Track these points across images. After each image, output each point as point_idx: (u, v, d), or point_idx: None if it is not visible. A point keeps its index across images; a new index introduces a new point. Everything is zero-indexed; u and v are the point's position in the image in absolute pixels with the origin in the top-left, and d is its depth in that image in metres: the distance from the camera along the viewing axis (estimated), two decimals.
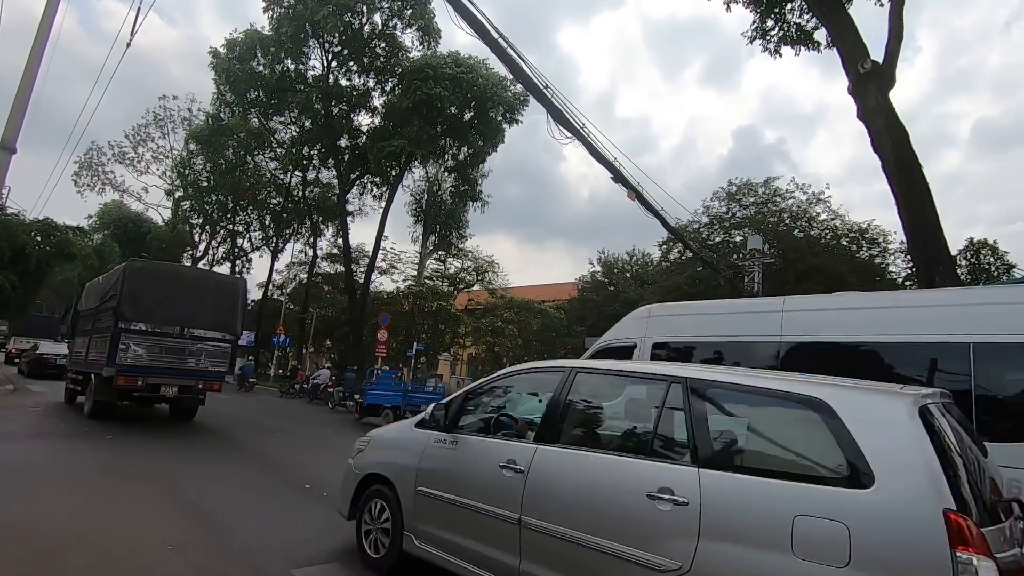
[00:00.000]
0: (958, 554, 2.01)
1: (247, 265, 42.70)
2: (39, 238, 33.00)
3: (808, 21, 14.65)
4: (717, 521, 2.50)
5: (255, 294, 48.05)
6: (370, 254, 31.91)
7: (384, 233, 30.68)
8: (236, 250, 40.61)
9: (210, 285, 11.66)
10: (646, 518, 2.69)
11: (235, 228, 39.28)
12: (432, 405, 4.20)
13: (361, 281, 31.58)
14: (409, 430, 4.31)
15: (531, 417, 3.60)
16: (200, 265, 43.40)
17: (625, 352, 6.52)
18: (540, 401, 3.66)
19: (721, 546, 2.45)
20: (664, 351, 6.23)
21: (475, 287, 39.44)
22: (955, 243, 25.80)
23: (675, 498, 2.62)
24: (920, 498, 2.15)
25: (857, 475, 2.30)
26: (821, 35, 14.47)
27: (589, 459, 3.10)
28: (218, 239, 41.88)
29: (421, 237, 37.38)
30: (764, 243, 18.72)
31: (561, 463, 3.16)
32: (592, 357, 6.74)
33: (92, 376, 10.66)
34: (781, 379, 2.89)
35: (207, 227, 40.41)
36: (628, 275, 32.20)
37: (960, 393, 4.01)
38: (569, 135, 10.30)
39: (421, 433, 4.08)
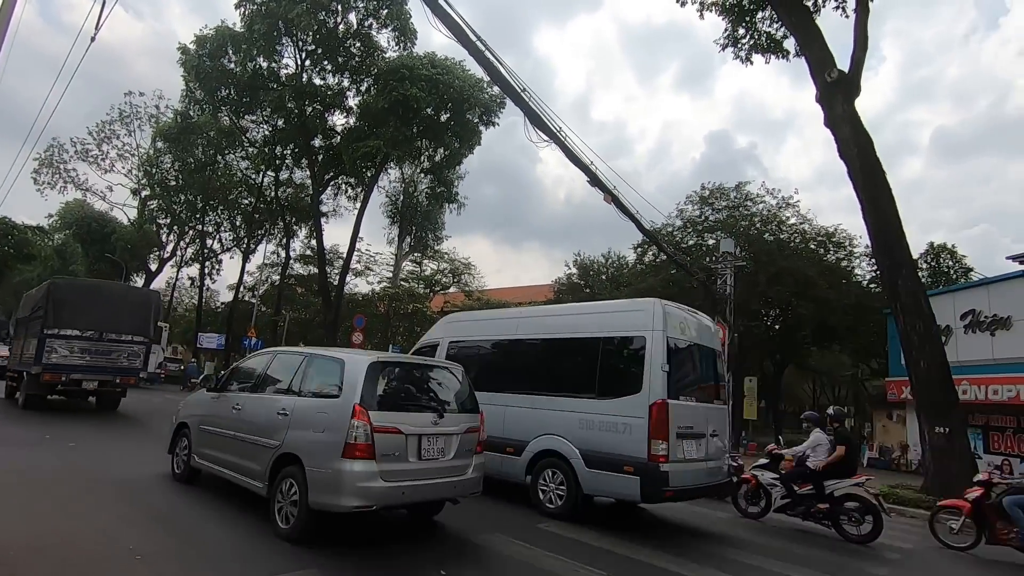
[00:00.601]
0: (353, 420, 4.58)
1: (217, 267, 41.76)
2: None
3: (778, 30, 15.00)
4: (296, 421, 5.06)
5: (225, 296, 47.18)
6: (344, 255, 31.51)
7: (359, 234, 30.31)
8: (205, 251, 39.66)
9: (127, 296, 13.68)
10: (275, 423, 5.23)
11: (204, 229, 38.34)
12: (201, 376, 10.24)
13: (335, 283, 31.17)
14: (202, 393, 7.00)
15: (254, 380, 6.19)
16: (168, 266, 42.41)
17: (432, 350, 8.75)
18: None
19: (296, 431, 5.00)
20: (454, 348, 8.48)
21: (451, 289, 39.29)
22: (917, 247, 26.76)
23: (285, 412, 5.19)
24: (351, 399, 4.72)
25: (339, 391, 4.92)
26: (790, 44, 14.85)
27: (265, 398, 5.71)
28: (187, 240, 40.81)
29: (397, 239, 37.10)
30: (736, 246, 19.08)
31: (253, 401, 5.81)
32: (414, 352, 9.19)
33: (24, 373, 12.39)
34: (336, 351, 5.72)
35: (175, 227, 39.30)
36: (604, 277, 32.46)
37: (592, 368, 6.96)
38: (546, 138, 10.34)
39: (208, 394, 6.62)
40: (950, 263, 26.81)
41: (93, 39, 9.95)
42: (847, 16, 13.90)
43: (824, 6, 14.39)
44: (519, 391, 7.34)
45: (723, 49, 15.75)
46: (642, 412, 6.17)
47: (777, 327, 25.52)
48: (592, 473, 6.41)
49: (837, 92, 11.74)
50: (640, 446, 6.10)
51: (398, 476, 4.72)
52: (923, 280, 18.63)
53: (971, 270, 26.15)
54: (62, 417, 11.56)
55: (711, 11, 15.30)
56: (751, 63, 15.70)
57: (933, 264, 26.81)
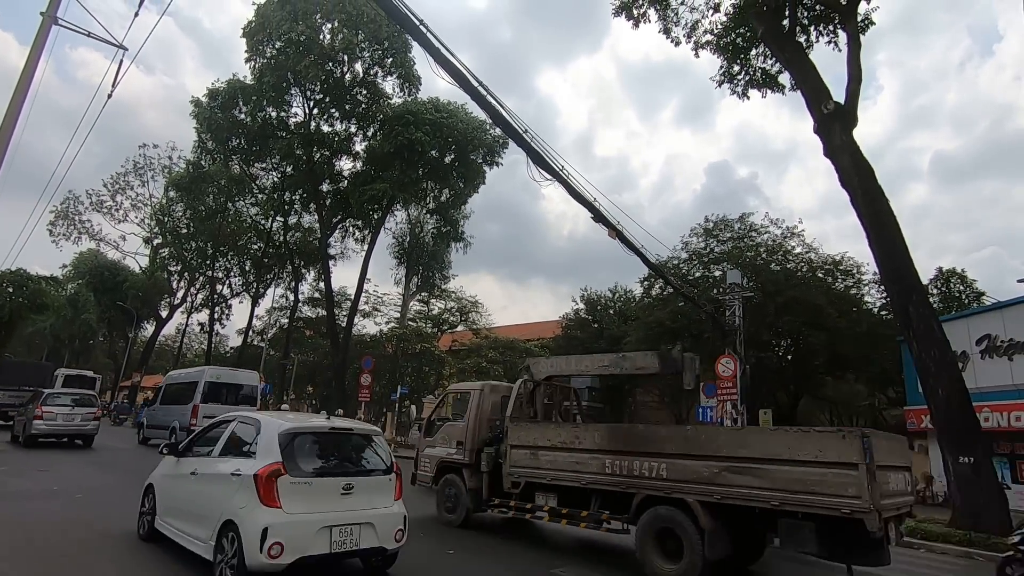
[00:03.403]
0: (36, 408, 15.18)
1: (227, 312, 42.08)
2: (11, 289, 32.27)
3: (772, 66, 15.32)
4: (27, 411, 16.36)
5: (235, 341, 47.34)
6: (352, 297, 31.71)
7: (367, 276, 30.61)
8: (215, 296, 40.05)
9: (35, 366, 25.82)
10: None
11: (214, 274, 38.84)
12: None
13: (344, 324, 31.25)
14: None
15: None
16: (179, 312, 42.90)
17: (160, 387, 19.98)
18: None
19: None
20: (169, 384, 18.96)
21: (459, 328, 39.21)
22: (927, 272, 26.55)
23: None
24: (39, 400, 15.95)
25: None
26: (786, 78, 15.14)
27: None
28: (197, 286, 41.32)
29: (404, 279, 37.32)
30: (743, 277, 18.99)
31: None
32: (167, 384, 19.51)
33: None
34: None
35: (186, 274, 39.89)
36: (611, 312, 32.32)
37: (187, 393, 16.55)
38: (549, 177, 10.49)
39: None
40: (960, 288, 26.51)
41: (110, 96, 10.34)
42: (839, 50, 14.24)
43: (817, 41, 14.76)
44: (180, 403, 16.57)
45: (719, 85, 16.09)
46: (190, 409, 15.54)
47: (789, 357, 25.17)
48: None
49: (834, 123, 11.90)
50: (189, 420, 15.21)
51: (54, 426, 15.01)
52: (934, 306, 18.40)
53: (983, 294, 25.80)
54: (65, 468, 11.50)
55: (706, 49, 15.72)
56: (748, 98, 16.03)
57: (943, 289, 26.51)
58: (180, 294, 41.91)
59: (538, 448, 7.44)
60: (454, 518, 8.28)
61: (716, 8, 15.16)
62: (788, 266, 22.94)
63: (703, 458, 5.91)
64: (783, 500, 5.29)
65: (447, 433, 8.98)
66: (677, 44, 15.79)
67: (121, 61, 10.00)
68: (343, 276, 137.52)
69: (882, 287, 20.99)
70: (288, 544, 4.41)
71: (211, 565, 4.72)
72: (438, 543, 7.06)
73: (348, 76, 26.83)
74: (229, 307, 41.97)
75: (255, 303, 38.30)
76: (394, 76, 27.18)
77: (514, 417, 8.21)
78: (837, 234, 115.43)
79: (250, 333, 39.27)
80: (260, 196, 34.04)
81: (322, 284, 33.48)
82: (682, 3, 15.37)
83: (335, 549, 4.66)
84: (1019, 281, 17.18)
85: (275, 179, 32.14)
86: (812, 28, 14.65)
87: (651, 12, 15.47)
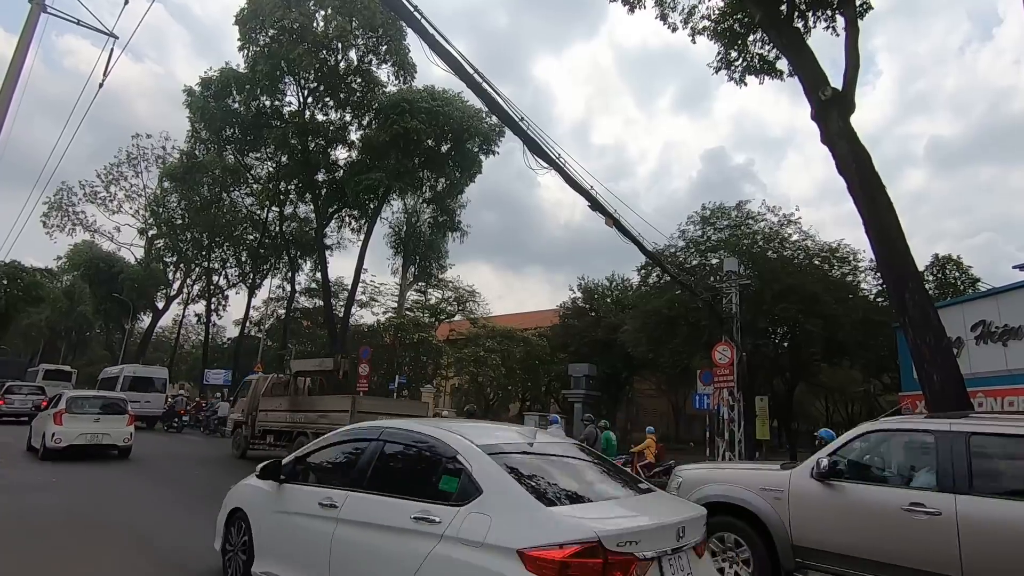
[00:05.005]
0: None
1: (223, 303, 41.99)
2: (5, 282, 32.20)
3: (770, 52, 15.18)
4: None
5: (232, 332, 47.26)
6: (349, 287, 31.66)
7: (363, 266, 30.50)
8: (211, 288, 39.93)
9: (5, 361, 27.23)
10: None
11: (210, 266, 38.69)
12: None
13: (341, 315, 31.23)
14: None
15: None
16: (175, 304, 42.83)
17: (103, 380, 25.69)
18: None
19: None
20: (107, 378, 24.72)
21: (456, 317, 39.26)
22: (924, 258, 26.62)
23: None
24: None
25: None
26: (783, 64, 15.03)
27: None
28: (193, 277, 41.19)
29: (401, 269, 37.27)
30: (739, 265, 19.00)
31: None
32: (101, 380, 25.77)
33: None
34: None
35: (181, 265, 39.73)
36: (608, 300, 32.37)
37: (113, 384, 22.90)
38: (545, 165, 10.44)
39: None
40: (956, 274, 26.61)
41: (101, 85, 10.23)
42: (837, 35, 14.13)
43: (815, 27, 14.63)
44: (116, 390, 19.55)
45: (716, 72, 15.89)
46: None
47: (786, 345, 25.28)
48: None
49: (832, 109, 11.82)
50: None
51: (12, 408, 21.02)
52: (930, 292, 18.43)
53: (978, 280, 25.91)
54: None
55: (703, 35, 15.56)
56: (745, 84, 15.85)
57: (939, 276, 26.61)
58: (176, 285, 41.81)
59: (269, 410, 14.33)
60: (237, 453, 14.98)
61: None
62: (785, 253, 22.97)
63: (313, 411, 12.52)
64: (332, 428, 10.87)
65: (239, 404, 15.90)
66: (674, 30, 15.61)
67: (112, 49, 9.89)
68: (340, 266, 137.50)
69: (878, 274, 21.05)
70: (63, 438, 11.33)
71: (36, 450, 11.85)
72: None
73: (342, 64, 26.55)
74: (226, 298, 41.95)
75: (252, 294, 38.27)
76: (389, 64, 26.91)
77: (265, 394, 15.05)
78: (834, 221, 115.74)
79: (247, 324, 39.24)
80: (255, 186, 33.81)
81: (319, 274, 33.41)
82: None
83: (88, 442, 11.61)
84: (1015, 267, 17.23)
85: (270, 169, 31.90)
86: (810, 13, 14.49)
87: None
